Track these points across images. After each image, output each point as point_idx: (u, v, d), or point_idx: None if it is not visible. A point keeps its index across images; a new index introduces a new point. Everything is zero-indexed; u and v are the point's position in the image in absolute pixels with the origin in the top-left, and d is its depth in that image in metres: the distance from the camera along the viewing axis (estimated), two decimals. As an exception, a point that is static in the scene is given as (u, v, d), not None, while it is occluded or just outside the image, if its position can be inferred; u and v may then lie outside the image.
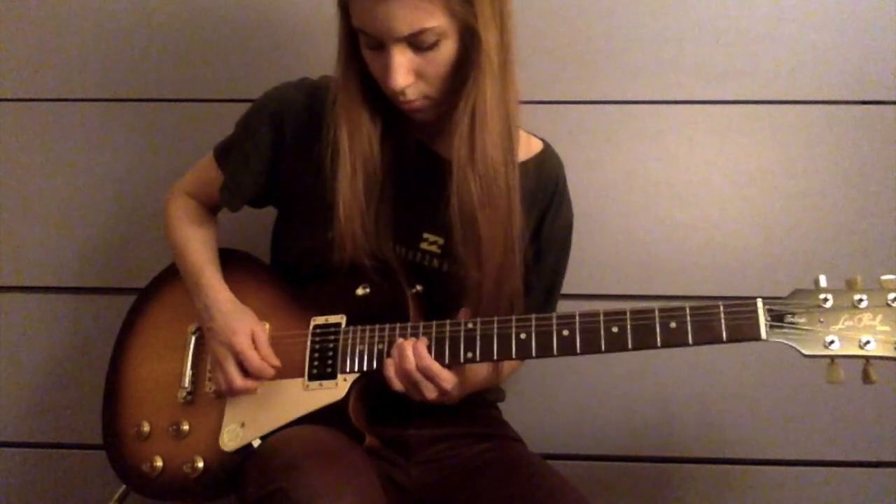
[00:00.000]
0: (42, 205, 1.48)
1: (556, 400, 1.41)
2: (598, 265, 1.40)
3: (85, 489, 1.44)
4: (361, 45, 0.98)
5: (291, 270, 1.15)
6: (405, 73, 0.95)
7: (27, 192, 1.48)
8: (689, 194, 1.40)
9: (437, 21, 0.93)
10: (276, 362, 1.05)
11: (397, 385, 0.99)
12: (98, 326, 1.44)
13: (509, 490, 1.00)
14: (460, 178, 1.00)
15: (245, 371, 1.05)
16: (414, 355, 0.98)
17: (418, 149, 1.10)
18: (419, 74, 0.97)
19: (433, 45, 0.95)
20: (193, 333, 1.14)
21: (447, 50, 0.96)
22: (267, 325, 1.10)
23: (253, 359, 1.04)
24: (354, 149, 1.02)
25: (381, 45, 0.95)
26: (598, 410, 1.40)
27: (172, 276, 1.20)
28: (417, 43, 0.94)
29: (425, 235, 1.10)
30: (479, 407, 1.20)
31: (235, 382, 1.04)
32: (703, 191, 1.40)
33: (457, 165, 1.00)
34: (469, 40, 0.97)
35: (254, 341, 1.05)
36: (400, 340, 1.00)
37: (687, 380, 1.39)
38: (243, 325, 1.06)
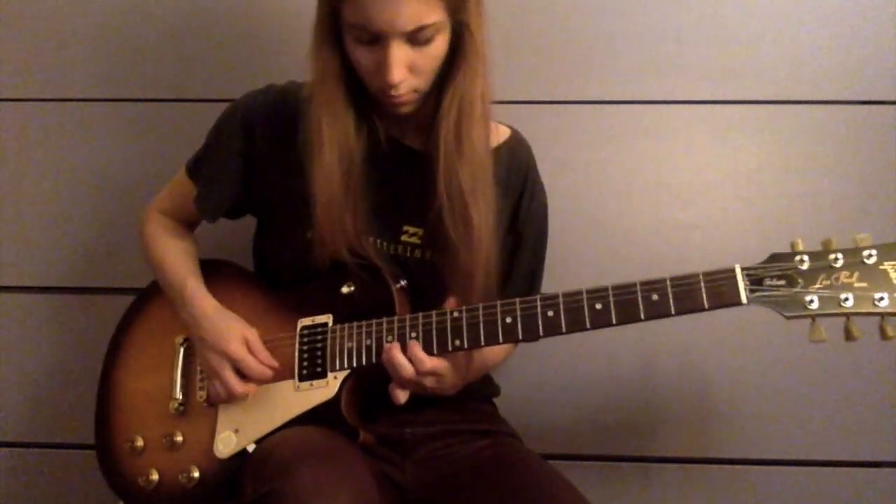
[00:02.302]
0: (40, 204, 1.48)
1: (554, 399, 1.40)
2: (597, 265, 1.40)
3: (85, 489, 1.44)
4: (349, 40, 0.98)
5: (275, 275, 1.15)
6: (402, 68, 0.96)
7: (24, 192, 1.49)
8: (689, 194, 1.40)
9: (437, 17, 0.95)
10: (274, 363, 1.06)
11: (403, 397, 1.01)
12: (97, 326, 1.44)
13: (507, 488, 1.00)
14: (449, 167, 1.02)
15: (242, 376, 1.05)
16: (410, 361, 0.99)
17: (390, 143, 1.10)
18: (412, 69, 0.98)
19: (429, 40, 0.96)
20: (181, 344, 1.14)
21: (440, 45, 0.98)
22: (254, 331, 1.09)
23: (252, 364, 1.04)
24: (333, 143, 1.03)
25: (376, 40, 0.95)
26: (597, 410, 1.40)
27: (157, 291, 1.20)
28: (416, 38, 0.95)
29: (405, 228, 1.11)
30: (475, 401, 1.20)
31: (236, 389, 1.04)
32: (703, 191, 1.40)
33: (444, 155, 1.02)
34: (459, 35, 0.99)
35: (247, 345, 1.05)
36: (390, 353, 0.99)
37: (687, 380, 1.39)
38: (234, 331, 1.06)
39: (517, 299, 0.99)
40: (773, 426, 1.38)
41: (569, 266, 1.38)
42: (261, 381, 1.05)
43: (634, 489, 1.40)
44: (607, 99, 1.41)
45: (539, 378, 1.40)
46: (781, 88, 1.39)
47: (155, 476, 1.08)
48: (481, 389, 1.22)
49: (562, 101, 1.42)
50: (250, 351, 1.05)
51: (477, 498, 1.02)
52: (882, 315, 0.88)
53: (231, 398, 1.05)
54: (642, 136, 1.41)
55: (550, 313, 0.97)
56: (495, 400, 1.27)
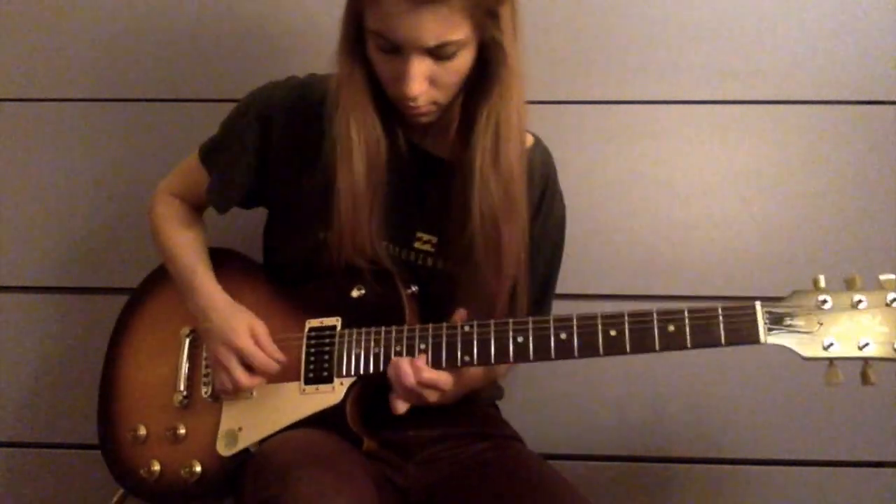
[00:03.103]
0: (40, 204, 1.48)
1: (555, 400, 1.40)
2: (597, 265, 1.40)
3: (84, 489, 1.44)
4: (372, 47, 0.96)
5: (283, 271, 1.14)
6: (421, 82, 0.94)
7: (24, 192, 1.48)
8: (689, 194, 1.40)
9: (462, 33, 0.92)
10: (282, 357, 1.05)
11: (402, 408, 1.00)
12: (96, 326, 1.44)
13: (510, 490, 1.00)
14: (484, 189, 1.00)
15: (249, 368, 1.04)
16: (412, 369, 0.97)
17: (410, 147, 1.09)
18: (433, 82, 0.96)
19: (452, 56, 0.94)
20: (187, 336, 1.14)
21: (464, 60, 0.96)
22: (263, 324, 1.08)
23: (257, 354, 1.03)
24: (362, 145, 1.01)
25: (396, 50, 0.93)
26: (597, 410, 1.40)
27: (163, 278, 1.19)
28: (438, 54, 0.93)
29: (419, 234, 1.10)
30: (478, 405, 1.20)
31: (242, 381, 1.03)
32: (703, 191, 1.40)
33: (480, 175, 1.00)
34: (489, 52, 0.97)
35: (254, 337, 1.05)
36: (395, 360, 0.99)
37: (687, 380, 1.39)
38: (241, 322, 1.05)
39: (530, 318, 0.97)
40: (774, 426, 1.38)
41: (569, 266, 1.37)
42: (267, 375, 1.04)
43: (636, 490, 1.40)
44: (607, 99, 1.41)
45: (542, 380, 1.40)
46: (781, 88, 1.39)
47: (157, 467, 1.07)
48: (484, 393, 1.21)
49: (562, 101, 1.41)
50: (257, 343, 1.04)
51: (480, 500, 1.02)
52: None
53: (237, 390, 1.05)
54: (642, 136, 1.41)
55: (563, 336, 0.95)
56: (498, 402, 1.26)
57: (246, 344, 1.03)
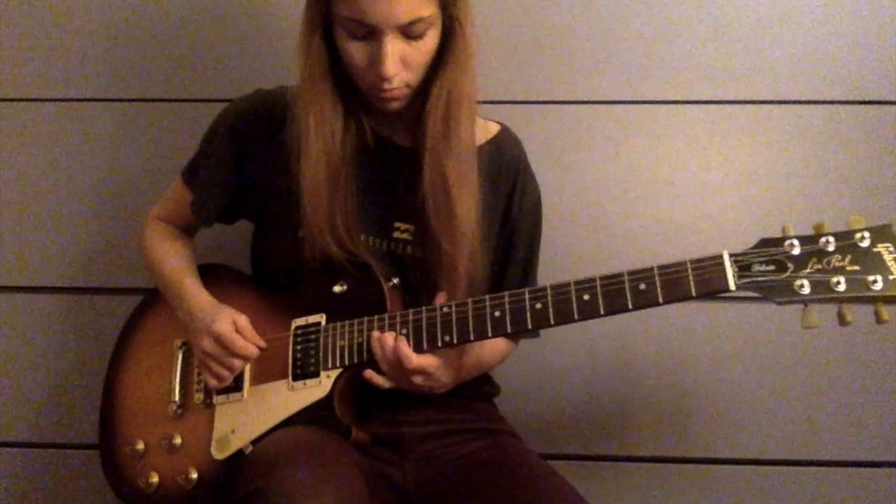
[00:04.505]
0: (40, 204, 1.48)
1: (554, 400, 1.41)
2: (596, 265, 1.40)
3: (85, 489, 1.45)
4: (341, 35, 0.99)
5: (271, 277, 1.16)
6: (396, 61, 0.98)
7: (24, 192, 1.48)
8: (689, 194, 1.40)
9: (431, 10, 0.97)
10: (262, 342, 1.07)
11: (385, 382, 1.02)
12: (98, 326, 1.45)
13: (507, 488, 1.00)
14: (435, 160, 1.03)
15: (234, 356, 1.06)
16: (400, 358, 0.99)
17: (378, 141, 1.11)
18: (405, 63, 0.99)
19: (422, 35, 0.98)
20: (180, 348, 1.15)
21: (432, 39, 1.00)
22: (245, 316, 1.09)
23: (237, 340, 1.05)
24: (319, 137, 1.04)
25: (370, 34, 0.97)
26: (596, 410, 1.40)
27: (158, 297, 1.21)
28: (410, 32, 0.97)
29: (396, 224, 1.12)
30: (474, 400, 1.20)
31: (235, 347, 1.04)
32: (703, 191, 1.40)
33: (431, 148, 1.03)
34: (449, 29, 1.01)
35: (236, 325, 1.06)
36: (379, 336, 1.01)
37: (687, 380, 1.39)
38: (225, 314, 1.07)
39: (506, 293, 0.99)
40: (773, 426, 1.38)
41: (568, 266, 1.38)
42: (246, 358, 1.06)
43: (635, 490, 1.40)
44: (606, 99, 1.41)
45: (539, 377, 1.41)
46: (781, 88, 1.39)
47: (155, 479, 1.09)
48: (480, 389, 1.22)
49: (561, 101, 1.42)
50: (238, 331, 1.06)
51: (477, 497, 1.02)
52: (876, 299, 0.85)
53: (228, 367, 1.05)
54: (642, 136, 1.41)
55: (539, 305, 0.97)
56: (494, 400, 1.26)
57: (226, 329, 1.05)
